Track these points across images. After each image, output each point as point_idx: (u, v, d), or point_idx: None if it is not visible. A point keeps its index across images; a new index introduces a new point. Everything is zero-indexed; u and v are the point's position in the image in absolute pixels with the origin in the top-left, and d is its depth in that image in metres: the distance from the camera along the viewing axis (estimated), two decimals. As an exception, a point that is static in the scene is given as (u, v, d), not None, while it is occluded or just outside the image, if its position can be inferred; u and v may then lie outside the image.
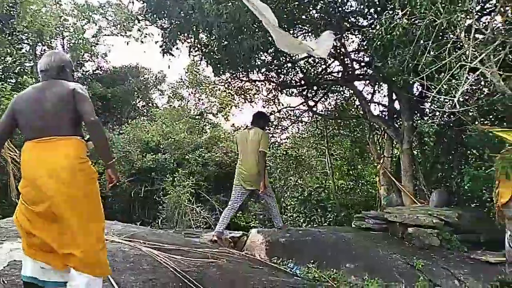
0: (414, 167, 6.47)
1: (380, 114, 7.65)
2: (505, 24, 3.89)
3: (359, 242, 4.84)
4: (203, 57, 5.36)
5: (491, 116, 5.14)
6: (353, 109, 9.18)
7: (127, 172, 12.23)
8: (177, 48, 5.49)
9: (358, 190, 9.27)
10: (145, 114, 22.10)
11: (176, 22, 4.97)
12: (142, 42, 6.84)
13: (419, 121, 5.07)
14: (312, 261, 4.62)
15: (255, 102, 10.00)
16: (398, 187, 6.52)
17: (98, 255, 2.43)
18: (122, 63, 23.62)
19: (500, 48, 3.47)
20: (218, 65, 5.57)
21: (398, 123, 6.97)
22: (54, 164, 2.37)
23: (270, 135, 9.80)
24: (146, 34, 6.76)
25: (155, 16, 5.14)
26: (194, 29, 4.93)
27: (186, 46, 5.51)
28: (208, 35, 5.14)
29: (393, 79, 4.45)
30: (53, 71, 2.60)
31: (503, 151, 4.26)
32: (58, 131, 2.42)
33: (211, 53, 5.31)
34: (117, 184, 2.71)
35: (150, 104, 23.65)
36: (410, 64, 4.12)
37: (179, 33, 5.13)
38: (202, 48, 5.29)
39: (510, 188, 4.32)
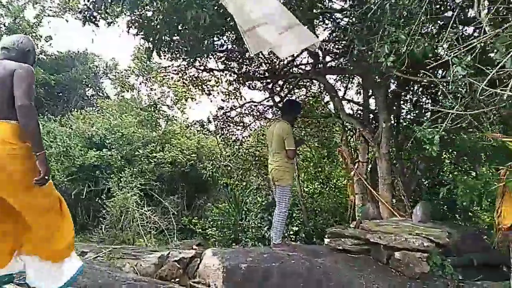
0: (392, 175, 5.72)
1: (354, 113, 6.87)
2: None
3: (338, 271, 3.97)
4: (143, 34, 4.26)
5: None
6: (320, 107, 8.39)
7: (67, 170, 10.78)
8: (105, 19, 4.33)
9: (326, 194, 8.49)
10: (94, 104, 20.39)
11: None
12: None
13: (415, 126, 4.22)
14: (280, 294, 3.72)
15: (213, 96, 8.92)
16: (374, 197, 5.75)
17: None
18: (69, 48, 21.74)
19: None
20: (162, 47, 4.47)
21: (374, 124, 6.22)
22: None
23: (230, 133, 8.82)
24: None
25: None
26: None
27: (127, 22, 4.38)
28: (145, 6, 4.05)
29: (381, 70, 3.54)
30: (14, 52, 2.54)
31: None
32: None
33: (153, 31, 4.20)
34: (46, 179, 2.35)
35: (100, 94, 21.92)
36: (405, 49, 3.20)
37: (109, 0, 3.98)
38: (144, 22, 4.19)
39: (516, 208, 3.63)
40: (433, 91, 6.00)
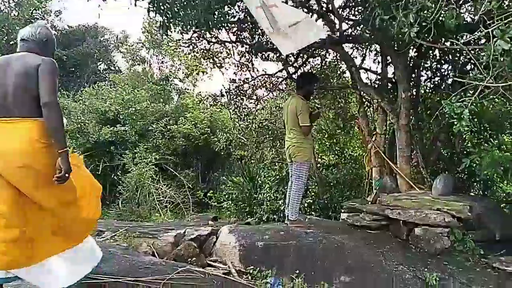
0: (411, 147, 5.52)
1: (371, 83, 6.60)
2: None
3: (356, 248, 3.90)
4: (153, 7, 4.09)
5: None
6: (336, 77, 8.11)
7: (82, 146, 10.89)
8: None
9: (341, 166, 8.36)
10: (106, 79, 20.42)
11: None
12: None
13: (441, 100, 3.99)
14: (297, 271, 3.70)
15: (225, 68, 8.71)
16: (392, 169, 5.59)
17: None
18: (79, 22, 21.52)
19: None
20: (173, 19, 4.28)
21: (393, 94, 5.96)
22: (8, 150, 2.23)
23: (243, 106, 8.65)
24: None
25: None
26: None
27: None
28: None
29: (404, 40, 3.30)
30: (33, 43, 2.50)
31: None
32: (19, 111, 2.29)
33: (164, 3, 4.01)
34: (67, 176, 2.33)
35: (112, 68, 21.84)
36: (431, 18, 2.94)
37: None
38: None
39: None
40: (455, 58, 5.68)
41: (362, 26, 5.36)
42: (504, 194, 6.30)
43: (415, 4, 2.83)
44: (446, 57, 5.77)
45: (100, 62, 21.74)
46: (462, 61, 5.41)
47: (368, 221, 4.43)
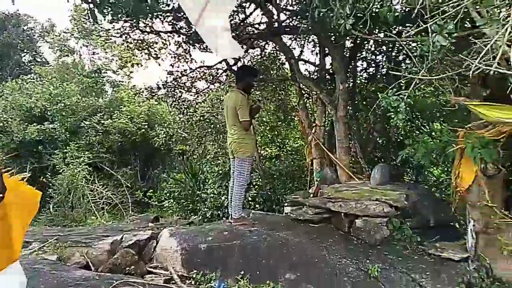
0: (350, 137, 5.62)
1: (309, 75, 6.62)
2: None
3: (299, 244, 3.86)
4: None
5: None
6: (276, 68, 8.06)
7: (5, 146, 9.92)
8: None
9: (284, 158, 8.39)
10: (32, 71, 18.84)
11: None
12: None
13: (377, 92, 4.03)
14: (242, 272, 3.59)
15: (162, 59, 8.29)
16: (332, 160, 5.65)
17: None
18: (-3, 9, 19.58)
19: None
20: (101, 6, 3.91)
21: (331, 86, 6.02)
22: None
23: (182, 99, 8.31)
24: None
25: None
26: None
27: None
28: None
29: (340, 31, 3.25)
30: None
31: (470, 126, 3.47)
32: None
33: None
34: (1, 197, 2.06)
35: (38, 59, 20.18)
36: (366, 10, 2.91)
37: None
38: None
39: (473, 170, 3.62)
40: (389, 49, 5.85)
41: (300, 17, 5.30)
42: (435, 179, 6.64)
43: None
44: (380, 48, 5.92)
45: (24, 54, 20.02)
46: (395, 52, 5.57)
47: (311, 215, 4.43)
